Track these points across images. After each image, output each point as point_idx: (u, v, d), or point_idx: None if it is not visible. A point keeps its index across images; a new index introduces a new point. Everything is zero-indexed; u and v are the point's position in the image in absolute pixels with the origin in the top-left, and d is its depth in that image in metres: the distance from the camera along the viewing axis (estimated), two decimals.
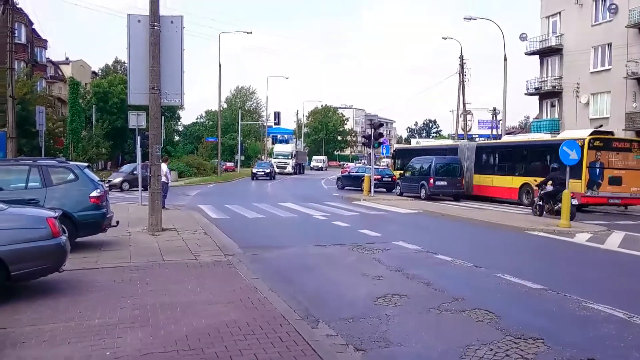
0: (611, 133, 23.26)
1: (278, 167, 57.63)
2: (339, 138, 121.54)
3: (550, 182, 17.83)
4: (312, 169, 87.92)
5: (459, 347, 5.54)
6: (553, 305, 7.24)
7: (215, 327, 5.79)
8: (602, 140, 21.26)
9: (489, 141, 37.22)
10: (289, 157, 63.55)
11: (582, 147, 19.05)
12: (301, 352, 5.13)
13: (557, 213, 16.34)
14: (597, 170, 20.82)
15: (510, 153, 25.95)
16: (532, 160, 24.32)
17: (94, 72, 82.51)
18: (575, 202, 16.53)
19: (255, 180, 47.16)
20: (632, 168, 21.28)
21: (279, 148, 68.94)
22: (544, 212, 18.08)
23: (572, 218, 15.66)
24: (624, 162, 21.29)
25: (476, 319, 6.53)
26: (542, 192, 18.22)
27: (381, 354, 5.43)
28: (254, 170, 50.32)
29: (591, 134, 21.10)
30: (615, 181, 20.97)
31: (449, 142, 39.33)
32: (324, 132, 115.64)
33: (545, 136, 26.46)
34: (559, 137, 23.36)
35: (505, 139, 32.67)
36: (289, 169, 60.97)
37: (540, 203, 18.41)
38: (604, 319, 6.60)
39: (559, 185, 16.82)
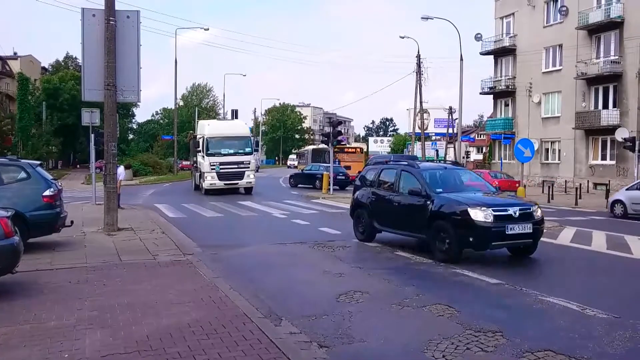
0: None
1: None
2: (297, 136, 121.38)
3: None
4: (289, 167, 77.08)
5: (421, 342, 5.61)
6: (510, 299, 7.42)
7: (177, 327, 5.71)
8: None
9: None
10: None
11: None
12: (265, 350, 5.11)
13: None
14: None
15: None
16: None
17: (43, 68, 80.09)
18: None
19: None
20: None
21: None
22: None
23: None
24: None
25: (437, 314, 6.63)
26: None
27: (345, 350, 5.45)
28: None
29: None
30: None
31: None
32: (282, 131, 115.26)
33: None
34: None
35: None
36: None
37: None
38: (559, 311, 6.81)
39: None
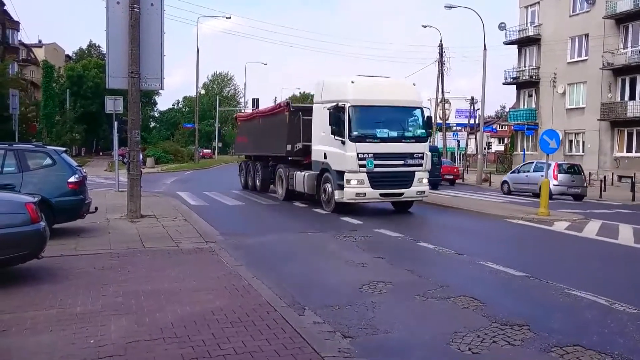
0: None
1: None
2: None
3: None
4: None
5: (446, 334, 5.54)
6: (536, 292, 7.31)
7: (201, 315, 5.71)
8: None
9: None
10: None
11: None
12: (289, 339, 5.08)
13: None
14: None
15: None
16: None
17: (67, 56, 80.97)
18: None
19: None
20: None
21: None
22: None
23: None
24: None
25: (462, 306, 6.55)
26: None
27: (369, 341, 5.40)
28: None
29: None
30: None
31: None
32: None
33: None
34: None
35: None
36: None
37: None
38: (587, 305, 6.68)
39: None
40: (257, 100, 65.26)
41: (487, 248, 10.68)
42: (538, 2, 38.70)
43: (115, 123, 20.53)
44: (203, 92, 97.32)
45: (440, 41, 41.87)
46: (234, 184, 25.34)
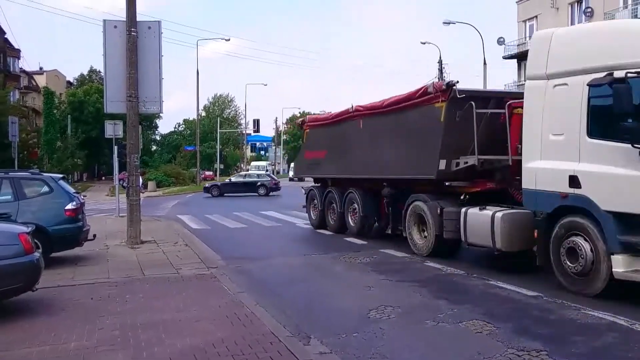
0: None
1: None
2: None
3: None
4: (291, 179, 62.63)
5: None
6: (551, 314, 6.98)
7: (202, 348, 5.43)
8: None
9: None
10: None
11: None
12: None
13: None
14: None
15: None
16: None
17: (69, 82, 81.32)
18: None
19: None
20: None
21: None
22: None
23: None
24: None
25: (475, 331, 6.25)
26: None
27: None
28: None
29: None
30: None
31: None
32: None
33: None
34: None
35: None
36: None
37: None
38: (607, 327, 6.35)
39: None
40: (258, 121, 65.62)
41: (496, 266, 10.34)
42: (536, 16, 38.73)
43: (115, 147, 20.39)
44: (204, 114, 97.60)
45: (440, 57, 41.99)
46: (236, 206, 25.08)
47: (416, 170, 11.28)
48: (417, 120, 11.32)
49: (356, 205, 13.89)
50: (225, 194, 35.99)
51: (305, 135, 17.54)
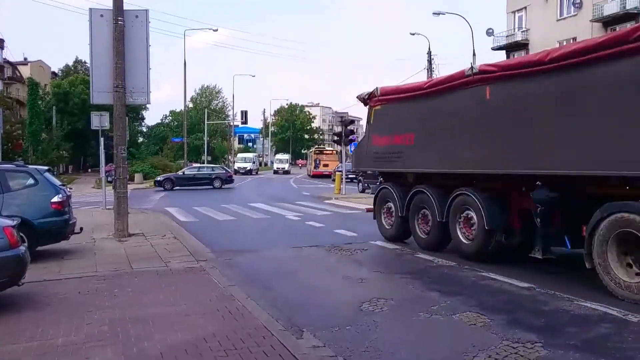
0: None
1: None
2: (307, 136, 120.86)
3: None
4: (275, 172, 67.06)
5: (456, 355, 5.20)
6: (545, 305, 6.94)
7: (193, 343, 5.32)
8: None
9: None
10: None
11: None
12: None
13: None
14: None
15: None
16: None
17: (53, 73, 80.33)
18: None
19: None
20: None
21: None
22: None
23: None
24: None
25: (469, 323, 6.19)
26: None
27: None
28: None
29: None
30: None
31: None
32: (291, 131, 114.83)
33: None
34: None
35: None
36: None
37: None
38: (600, 318, 6.33)
39: None
40: (246, 112, 65.04)
41: (487, 258, 10.30)
42: (525, 7, 38.74)
43: (102, 139, 20.12)
44: (191, 105, 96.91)
45: (429, 48, 41.91)
46: (224, 198, 24.88)
47: (623, 164, 6.93)
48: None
49: (473, 214, 9.58)
50: (178, 187, 35.09)
51: (372, 115, 12.62)
